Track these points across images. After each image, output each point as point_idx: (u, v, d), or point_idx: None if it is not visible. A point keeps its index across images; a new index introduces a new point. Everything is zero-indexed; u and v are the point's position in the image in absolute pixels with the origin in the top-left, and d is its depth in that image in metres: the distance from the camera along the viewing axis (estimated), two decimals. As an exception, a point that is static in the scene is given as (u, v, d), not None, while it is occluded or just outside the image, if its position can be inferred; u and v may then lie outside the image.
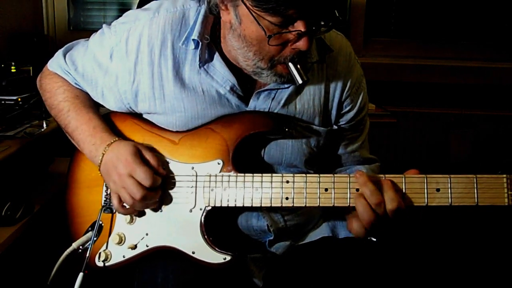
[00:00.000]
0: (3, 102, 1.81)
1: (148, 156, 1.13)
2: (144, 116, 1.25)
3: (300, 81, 1.06)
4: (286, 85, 1.17)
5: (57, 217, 1.32)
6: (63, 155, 1.90)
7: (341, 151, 1.31)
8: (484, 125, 2.93)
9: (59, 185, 1.75)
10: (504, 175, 1.02)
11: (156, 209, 1.17)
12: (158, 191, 1.13)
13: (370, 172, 1.32)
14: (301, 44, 1.01)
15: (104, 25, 1.26)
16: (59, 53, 1.31)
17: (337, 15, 1.04)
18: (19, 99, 1.83)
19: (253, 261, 1.23)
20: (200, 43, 1.13)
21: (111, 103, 1.25)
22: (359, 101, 1.26)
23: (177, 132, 1.19)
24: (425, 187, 1.05)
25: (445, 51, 2.98)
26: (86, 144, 1.19)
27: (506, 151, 2.92)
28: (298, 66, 1.06)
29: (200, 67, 1.15)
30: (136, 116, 1.25)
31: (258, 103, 1.18)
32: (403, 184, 1.06)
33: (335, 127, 1.26)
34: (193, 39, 1.13)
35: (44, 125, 1.84)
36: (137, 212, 1.17)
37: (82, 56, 1.26)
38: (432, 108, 2.93)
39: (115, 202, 1.13)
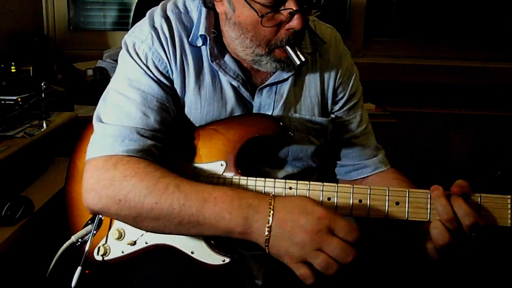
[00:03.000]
0: (3, 102, 1.80)
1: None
2: None
3: (298, 62, 1.08)
4: (285, 76, 1.20)
5: (57, 217, 1.31)
6: (63, 155, 1.90)
7: (346, 139, 1.33)
8: (484, 125, 2.93)
9: (59, 185, 1.75)
10: (509, 196, 1.01)
11: None
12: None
13: (382, 166, 1.33)
14: (295, 23, 1.03)
15: (120, 58, 1.15)
16: (99, 126, 1.05)
17: None
18: (19, 99, 1.83)
19: (252, 259, 1.23)
20: (208, 38, 1.14)
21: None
22: (349, 87, 1.30)
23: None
24: (428, 202, 1.03)
25: (445, 51, 2.98)
26: (234, 209, 0.89)
27: (506, 151, 2.92)
28: (296, 49, 1.08)
29: (212, 61, 1.16)
30: None
31: (262, 99, 1.21)
32: (406, 198, 1.03)
33: (332, 116, 1.29)
34: (200, 35, 1.15)
35: (44, 125, 1.84)
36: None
37: (119, 97, 1.09)
38: (432, 108, 2.93)
39: (306, 273, 0.84)
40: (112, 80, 1.14)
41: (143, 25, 1.17)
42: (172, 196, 0.91)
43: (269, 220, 0.86)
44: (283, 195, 1.05)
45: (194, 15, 1.18)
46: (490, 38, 2.99)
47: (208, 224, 0.90)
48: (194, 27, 1.16)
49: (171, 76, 1.15)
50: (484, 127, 2.93)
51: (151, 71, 1.12)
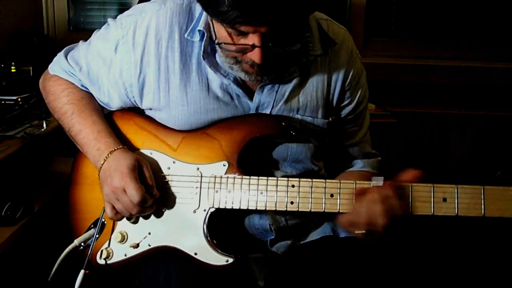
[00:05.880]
0: (3, 102, 1.80)
1: (146, 173, 1.12)
2: (147, 112, 1.25)
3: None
4: (289, 77, 1.18)
5: (57, 217, 1.31)
6: (63, 155, 1.89)
7: (343, 145, 1.32)
8: (484, 125, 2.93)
9: (59, 185, 1.75)
10: None
11: (159, 209, 1.16)
12: (152, 206, 1.14)
13: (368, 167, 1.34)
14: (254, 56, 1.02)
15: (109, 19, 1.25)
16: (60, 56, 1.30)
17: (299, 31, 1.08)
18: (19, 99, 1.83)
19: (254, 261, 1.23)
20: (206, 34, 1.13)
21: (115, 100, 1.24)
22: (357, 95, 1.28)
23: (183, 132, 1.19)
24: (432, 196, 1.04)
25: (445, 51, 2.98)
26: (90, 148, 1.19)
27: (505, 151, 2.92)
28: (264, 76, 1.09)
29: (204, 58, 1.15)
30: (141, 116, 1.25)
31: (262, 97, 1.18)
32: (410, 192, 1.05)
33: (334, 117, 1.27)
34: (198, 30, 1.14)
35: (44, 125, 1.84)
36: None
37: (85, 54, 1.26)
38: (432, 108, 2.93)
39: (108, 210, 1.13)
40: (93, 35, 1.28)
41: (135, 9, 1.21)
42: (67, 119, 1.25)
43: (101, 166, 1.15)
44: (286, 193, 1.09)
45: (198, 8, 1.17)
46: (490, 38, 2.99)
47: (80, 147, 1.24)
48: (194, 21, 1.16)
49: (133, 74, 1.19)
50: (484, 127, 2.93)
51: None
